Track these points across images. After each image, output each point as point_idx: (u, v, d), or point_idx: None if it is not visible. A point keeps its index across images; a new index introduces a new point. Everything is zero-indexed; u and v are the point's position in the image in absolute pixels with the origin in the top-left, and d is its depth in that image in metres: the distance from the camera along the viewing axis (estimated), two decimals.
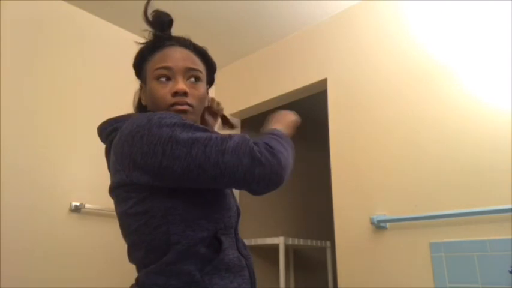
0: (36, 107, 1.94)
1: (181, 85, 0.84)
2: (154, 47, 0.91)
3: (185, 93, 0.85)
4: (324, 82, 2.25)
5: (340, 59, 2.19)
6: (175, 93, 0.84)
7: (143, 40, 0.93)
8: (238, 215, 0.91)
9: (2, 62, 1.86)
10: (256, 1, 2.18)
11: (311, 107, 3.29)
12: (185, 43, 0.91)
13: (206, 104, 0.96)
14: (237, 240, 0.88)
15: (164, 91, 0.85)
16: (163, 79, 0.86)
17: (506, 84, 1.57)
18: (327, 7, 2.23)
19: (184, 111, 0.84)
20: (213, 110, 1.06)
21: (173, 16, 0.93)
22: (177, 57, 0.87)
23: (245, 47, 2.66)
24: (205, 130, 0.75)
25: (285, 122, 0.94)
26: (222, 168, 0.70)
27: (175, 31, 0.94)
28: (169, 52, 0.88)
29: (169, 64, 0.86)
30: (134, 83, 2.39)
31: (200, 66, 0.91)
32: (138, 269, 0.81)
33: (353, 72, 2.10)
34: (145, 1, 0.93)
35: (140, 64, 0.94)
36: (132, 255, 0.83)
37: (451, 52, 1.76)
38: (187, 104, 0.85)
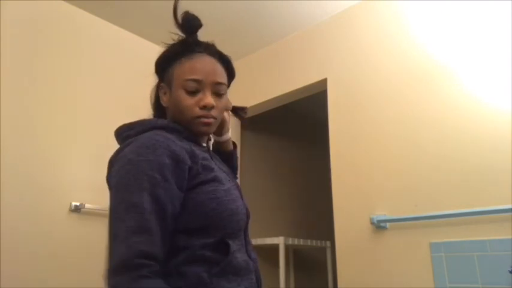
0: (36, 107, 1.94)
1: (210, 100, 0.88)
2: (183, 51, 0.91)
3: (212, 107, 0.88)
4: (324, 82, 2.25)
5: (340, 59, 2.19)
6: (204, 107, 0.87)
7: (162, 46, 0.94)
8: (248, 217, 0.92)
9: (2, 62, 1.86)
10: (256, 1, 2.18)
11: (311, 107, 3.28)
12: (212, 51, 0.93)
13: None
14: (247, 243, 0.89)
15: (191, 102, 0.88)
16: (192, 91, 0.88)
17: (506, 84, 1.57)
18: (327, 7, 2.23)
19: (209, 124, 0.89)
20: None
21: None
22: (207, 70, 0.89)
23: (245, 47, 2.65)
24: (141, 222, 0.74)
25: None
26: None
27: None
28: (198, 63, 0.90)
29: (199, 77, 0.88)
30: (134, 83, 2.39)
31: (225, 78, 0.93)
32: None
33: (353, 72, 2.10)
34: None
35: (165, 65, 0.94)
36: None
37: (451, 52, 1.76)
38: (212, 117, 0.89)
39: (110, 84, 2.27)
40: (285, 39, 2.54)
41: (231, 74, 0.98)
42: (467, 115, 1.64)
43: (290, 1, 2.18)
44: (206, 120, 0.88)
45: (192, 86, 0.88)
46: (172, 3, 0.92)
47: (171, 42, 0.94)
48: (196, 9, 0.94)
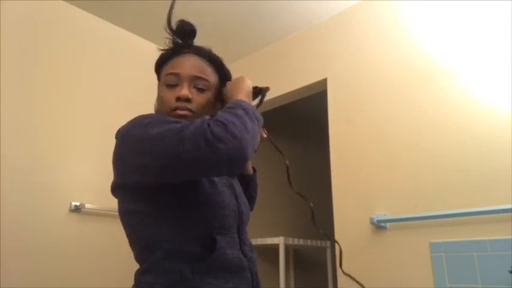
0: (36, 107, 1.94)
1: (185, 91, 0.87)
2: (172, 53, 0.94)
3: (187, 99, 0.87)
4: (324, 82, 2.25)
5: (340, 59, 2.19)
6: (178, 99, 0.87)
7: (162, 46, 0.97)
8: (240, 214, 0.90)
9: (2, 62, 1.86)
10: (256, 1, 2.18)
11: (311, 107, 3.28)
12: (200, 52, 0.94)
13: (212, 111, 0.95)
14: (242, 241, 0.88)
15: (170, 95, 0.89)
16: (171, 84, 0.90)
17: (506, 84, 1.57)
18: (327, 7, 2.23)
19: (184, 116, 0.87)
20: None
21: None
22: (186, 65, 0.91)
23: (245, 47, 2.65)
24: (177, 122, 0.76)
25: (244, 89, 0.90)
26: (183, 158, 0.69)
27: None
28: (181, 60, 0.92)
29: (177, 71, 0.90)
30: (134, 83, 2.39)
31: (209, 75, 0.93)
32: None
33: (353, 72, 2.10)
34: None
35: (159, 69, 0.98)
36: (133, 253, 0.86)
37: (451, 52, 1.76)
38: (188, 109, 0.88)
39: (110, 84, 2.27)
40: (285, 39, 2.54)
41: (223, 74, 0.98)
42: (467, 115, 1.64)
43: (290, 1, 2.18)
44: (180, 112, 0.87)
45: (171, 79, 0.89)
46: (172, 3, 0.93)
47: (167, 47, 0.96)
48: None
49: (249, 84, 0.92)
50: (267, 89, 0.99)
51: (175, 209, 0.80)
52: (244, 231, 0.91)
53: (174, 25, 0.94)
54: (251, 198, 1.10)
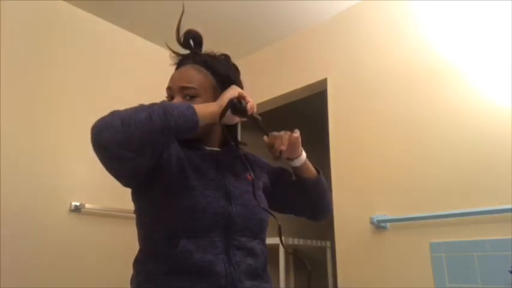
0: (36, 107, 1.94)
1: None
2: (177, 67, 1.00)
3: None
4: (324, 82, 2.25)
5: (340, 59, 2.19)
6: None
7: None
8: (229, 217, 0.86)
9: (2, 62, 1.86)
10: (256, 1, 2.18)
11: (311, 107, 3.28)
12: (196, 59, 0.97)
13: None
14: (231, 245, 0.85)
15: None
16: (170, 97, 0.95)
17: (506, 84, 1.56)
18: (327, 7, 2.23)
19: None
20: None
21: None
22: (176, 77, 0.95)
23: (245, 47, 2.65)
24: None
25: (221, 98, 0.91)
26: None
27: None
28: (175, 73, 0.97)
29: (169, 85, 0.95)
30: (134, 83, 2.38)
31: (197, 82, 0.93)
32: None
33: (353, 72, 2.10)
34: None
35: None
36: None
37: (451, 52, 1.76)
38: None
39: (110, 84, 2.26)
40: (285, 39, 2.53)
41: (219, 75, 0.97)
42: (467, 115, 1.64)
43: (290, 1, 2.18)
44: None
45: (168, 93, 0.95)
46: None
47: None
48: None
49: (230, 94, 0.91)
50: (231, 101, 0.91)
51: (151, 212, 0.87)
52: (236, 234, 0.88)
53: (181, 36, 0.98)
54: (312, 204, 1.08)
